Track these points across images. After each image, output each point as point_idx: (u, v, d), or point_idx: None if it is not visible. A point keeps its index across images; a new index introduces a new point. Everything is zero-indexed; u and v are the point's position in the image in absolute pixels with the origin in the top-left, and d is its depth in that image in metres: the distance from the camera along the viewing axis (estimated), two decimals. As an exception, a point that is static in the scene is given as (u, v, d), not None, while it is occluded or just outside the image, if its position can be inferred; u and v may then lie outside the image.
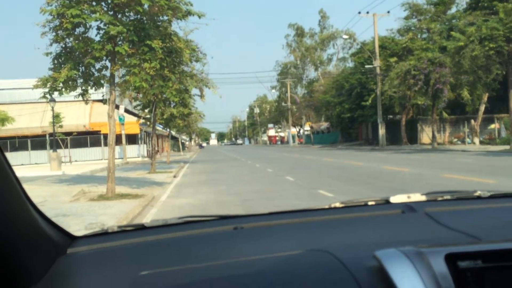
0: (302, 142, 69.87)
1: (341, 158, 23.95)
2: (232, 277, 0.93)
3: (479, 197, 1.53)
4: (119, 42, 9.73)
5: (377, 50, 35.46)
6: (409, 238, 1.11)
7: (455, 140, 33.49)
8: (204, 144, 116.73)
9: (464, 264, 0.85)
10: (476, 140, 30.40)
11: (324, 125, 61.60)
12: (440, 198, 1.53)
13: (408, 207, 1.40)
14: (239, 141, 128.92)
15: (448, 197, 1.54)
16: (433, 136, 30.05)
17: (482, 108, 30.29)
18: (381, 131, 35.65)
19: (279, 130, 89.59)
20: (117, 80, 11.09)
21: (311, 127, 65.65)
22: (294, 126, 72.39)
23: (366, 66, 37.51)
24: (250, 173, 17.38)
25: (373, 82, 36.55)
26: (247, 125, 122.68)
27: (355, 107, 40.15)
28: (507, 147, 22.85)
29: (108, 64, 10.20)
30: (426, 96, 29.17)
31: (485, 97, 29.15)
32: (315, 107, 55.50)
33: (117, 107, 26.48)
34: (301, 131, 72.04)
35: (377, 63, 35.21)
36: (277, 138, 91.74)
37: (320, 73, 63.18)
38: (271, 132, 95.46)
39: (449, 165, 15.50)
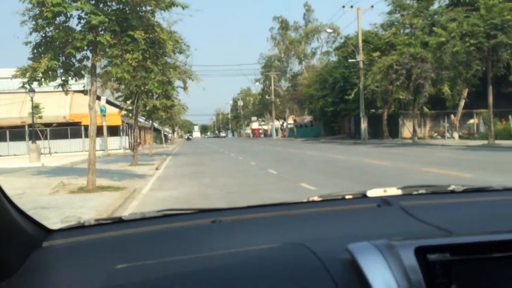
0: (285, 135, 70.07)
1: (324, 151, 24.12)
2: (208, 270, 0.94)
3: (452, 192, 1.56)
4: (101, 32, 9.57)
5: (360, 44, 35.67)
6: (384, 232, 1.13)
7: (435, 134, 34.01)
8: (191, 137, 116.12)
9: (433, 257, 0.88)
10: (456, 134, 30.94)
11: (307, 118, 61.85)
12: (415, 192, 1.56)
13: (384, 201, 1.42)
14: (222, 134, 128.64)
15: (423, 191, 1.57)
16: (414, 131, 30.46)
17: (462, 103, 30.80)
18: (363, 125, 35.98)
19: (263, 123, 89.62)
20: (98, 70, 10.95)
21: (295, 121, 65.86)
22: (278, 119, 72.51)
23: (350, 60, 37.74)
24: (233, 166, 17.39)
25: (356, 76, 36.81)
26: (231, 118, 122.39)
27: (338, 101, 40.39)
28: (485, 142, 23.32)
29: (89, 54, 10.04)
30: (407, 90, 29.53)
31: (465, 93, 29.65)
32: (298, 100, 55.64)
33: (99, 98, 26.12)
34: (285, 124, 72.21)
35: (360, 57, 35.43)
36: (260, 131, 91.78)
37: (304, 67, 63.32)
38: (255, 125, 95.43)
39: (429, 159, 15.76)
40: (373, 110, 38.25)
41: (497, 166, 12.67)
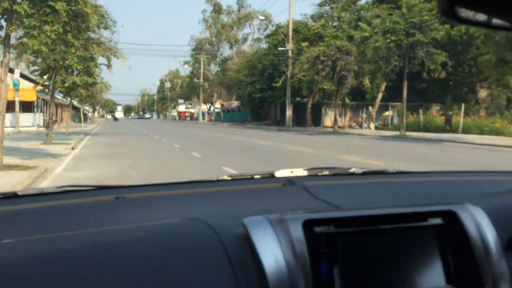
0: (212, 119, 69.77)
1: (249, 136, 24.40)
2: (104, 245, 0.92)
3: (353, 174, 1.67)
4: (18, 0, 8.84)
5: (290, 33, 36.28)
6: (282, 208, 1.17)
7: (354, 124, 35.75)
8: (118, 117, 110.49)
9: (319, 229, 0.93)
10: (372, 125, 32.79)
11: (234, 103, 61.99)
12: (319, 173, 1.65)
13: (289, 181, 1.47)
14: (147, 115, 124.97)
15: (327, 172, 1.66)
16: (335, 120, 31.77)
17: (380, 96, 32.62)
18: (289, 112, 36.85)
19: (190, 106, 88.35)
20: (13, 41, 10.10)
21: (222, 105, 65.72)
22: (205, 103, 71.90)
23: (279, 49, 38.30)
24: (156, 148, 17.04)
25: (285, 64, 37.47)
26: (157, 99, 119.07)
27: (266, 88, 40.91)
28: (397, 133, 24.98)
29: (3, 23, 9.25)
30: (332, 81, 30.60)
31: (383, 86, 31.42)
32: (227, 85, 55.50)
33: (12, 71, 24.12)
34: (212, 108, 71.83)
35: (289, 46, 36.07)
36: (187, 114, 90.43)
37: (234, 52, 63.13)
38: (181, 108, 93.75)
39: (347, 148, 16.57)
40: (299, 99, 39.27)
41: (404, 155, 13.68)
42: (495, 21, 0.78)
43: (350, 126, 35.72)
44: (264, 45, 51.85)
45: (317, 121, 36.86)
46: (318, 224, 0.94)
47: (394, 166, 10.02)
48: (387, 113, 33.65)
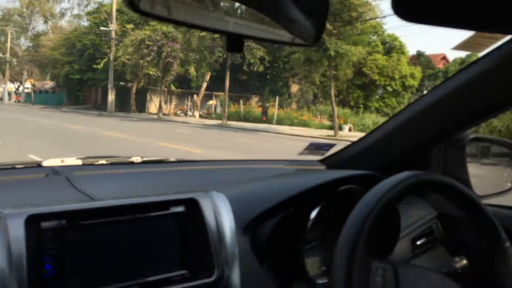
0: (21, 100, 62.09)
1: (64, 121, 22.46)
2: None
3: (132, 162, 1.59)
4: None
5: (114, 13, 34.46)
6: (29, 202, 1.04)
7: (179, 112, 36.05)
8: None
9: (47, 224, 0.86)
10: (197, 113, 33.57)
11: (49, 84, 56.27)
12: (95, 163, 1.53)
13: (53, 171, 1.34)
14: None
15: (104, 161, 1.55)
16: (160, 107, 31.54)
17: (204, 85, 33.53)
18: (111, 97, 35.14)
19: (-7, 84, 76.89)
20: None
21: (33, 85, 58.94)
22: (12, 81, 63.49)
23: (102, 28, 36.09)
24: None
25: (107, 46, 35.49)
26: None
27: (86, 69, 38.18)
28: (220, 121, 26.12)
29: None
30: (157, 67, 30.22)
31: (208, 76, 32.35)
32: (40, 63, 50.03)
33: None
34: (21, 88, 63.84)
35: (113, 26, 34.27)
36: (-11, 93, 78.48)
37: (50, 27, 57.08)
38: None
39: (169, 135, 16.56)
40: (123, 83, 37.71)
41: (222, 144, 14.38)
42: (176, 15, 0.74)
43: (175, 114, 35.87)
44: (84, 22, 48.19)
45: (142, 107, 36.01)
46: (48, 218, 0.87)
47: (210, 154, 10.40)
48: (211, 102, 34.82)
